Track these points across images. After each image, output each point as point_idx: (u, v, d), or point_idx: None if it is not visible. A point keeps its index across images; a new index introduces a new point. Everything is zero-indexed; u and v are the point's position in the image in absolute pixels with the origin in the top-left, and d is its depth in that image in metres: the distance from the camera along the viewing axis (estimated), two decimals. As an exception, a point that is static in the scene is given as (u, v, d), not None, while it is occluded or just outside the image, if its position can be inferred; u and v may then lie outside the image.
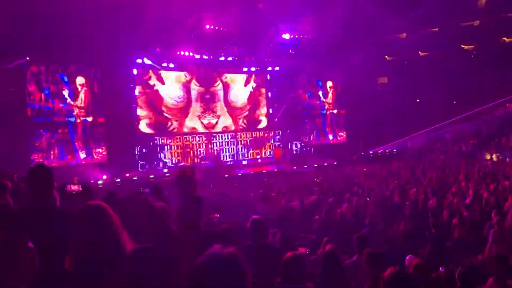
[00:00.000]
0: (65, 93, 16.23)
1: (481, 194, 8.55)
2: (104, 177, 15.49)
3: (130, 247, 1.95)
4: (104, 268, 1.80)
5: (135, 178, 16.02)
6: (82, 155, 16.62)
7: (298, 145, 22.63)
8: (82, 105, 16.73)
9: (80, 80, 16.66)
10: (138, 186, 14.04)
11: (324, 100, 24.17)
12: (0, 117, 13.04)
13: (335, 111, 24.40)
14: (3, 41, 12.79)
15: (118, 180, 15.39)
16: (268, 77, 22.67)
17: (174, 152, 19.16)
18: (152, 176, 16.50)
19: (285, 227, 6.21)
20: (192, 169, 2.15)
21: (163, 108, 19.30)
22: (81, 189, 3.19)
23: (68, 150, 16.24)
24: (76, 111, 16.57)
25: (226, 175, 16.67)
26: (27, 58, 15.11)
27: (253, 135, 21.63)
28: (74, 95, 16.48)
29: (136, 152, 17.99)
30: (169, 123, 19.49)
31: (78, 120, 16.60)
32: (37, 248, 1.90)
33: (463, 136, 20.39)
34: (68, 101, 16.30)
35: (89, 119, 16.92)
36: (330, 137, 24.19)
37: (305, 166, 19.15)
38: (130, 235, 1.98)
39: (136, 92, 18.53)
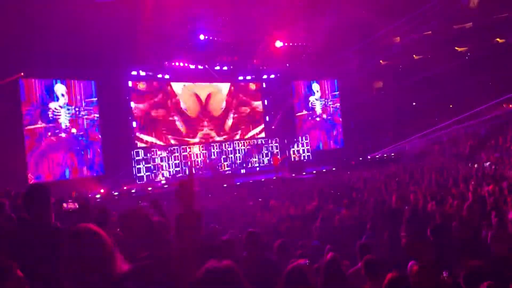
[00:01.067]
0: (60, 106, 16.23)
1: (480, 196, 8.54)
2: (102, 190, 15.41)
3: (124, 267, 1.91)
4: None
5: (133, 190, 15.94)
6: (80, 169, 16.58)
7: (296, 152, 22.62)
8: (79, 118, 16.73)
9: (72, 91, 16.70)
10: (137, 199, 13.99)
11: (320, 106, 24.20)
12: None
13: (331, 117, 24.43)
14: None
15: (116, 193, 15.30)
16: (264, 85, 22.71)
17: (172, 164, 19.13)
18: (150, 188, 16.44)
19: (284, 235, 6.18)
20: (191, 181, 2.12)
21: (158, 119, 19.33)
22: (77, 206, 3.16)
23: (64, 165, 16.22)
24: (73, 130, 16.56)
25: (225, 185, 16.59)
26: (22, 74, 15.10)
27: (250, 143, 21.65)
28: (68, 109, 16.49)
29: (134, 165, 17.94)
30: (168, 135, 19.45)
31: (75, 133, 16.59)
32: (31, 267, 1.86)
33: (460, 138, 20.41)
34: (62, 116, 16.29)
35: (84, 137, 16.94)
36: (328, 143, 24.19)
37: (304, 173, 19.11)
38: (130, 250, 1.95)
39: (132, 104, 18.53)
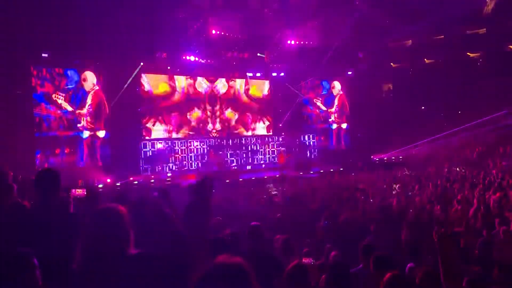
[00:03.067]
0: (69, 93, 16.36)
1: (486, 203, 8.50)
2: (108, 180, 15.49)
3: (133, 251, 1.95)
4: (111, 268, 1.80)
5: (135, 182, 15.98)
6: (87, 158, 16.72)
7: (303, 151, 22.61)
8: (89, 111, 16.81)
9: (90, 78, 16.80)
10: (140, 190, 14.03)
11: (329, 106, 24.15)
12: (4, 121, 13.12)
13: (340, 118, 24.38)
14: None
15: (118, 184, 15.36)
16: (273, 82, 22.69)
17: (178, 157, 19.20)
18: (153, 181, 16.50)
19: (289, 232, 6.18)
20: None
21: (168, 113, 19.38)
22: (86, 193, 3.18)
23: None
24: (82, 122, 16.67)
25: (227, 180, 16.61)
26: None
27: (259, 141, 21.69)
28: (81, 98, 16.60)
29: (141, 156, 18.04)
30: (169, 126, 19.48)
31: (86, 134, 16.76)
32: (42, 252, 1.88)
33: (469, 144, 20.28)
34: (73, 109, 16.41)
35: (101, 133, 17.13)
36: (335, 143, 24.15)
37: (311, 172, 19.09)
38: (141, 238, 1.98)
39: (141, 95, 18.59)
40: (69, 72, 16.37)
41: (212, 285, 1.43)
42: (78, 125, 16.60)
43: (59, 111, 16.05)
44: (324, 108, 24.00)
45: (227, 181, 16.60)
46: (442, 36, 20.99)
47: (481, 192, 9.86)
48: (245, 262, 1.51)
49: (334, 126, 24.22)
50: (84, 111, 16.73)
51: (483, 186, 10.90)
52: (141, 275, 1.84)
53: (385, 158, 22.23)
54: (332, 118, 24.22)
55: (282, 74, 22.35)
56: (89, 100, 16.86)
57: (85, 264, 1.80)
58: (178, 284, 1.84)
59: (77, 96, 16.58)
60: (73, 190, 3.19)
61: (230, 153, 20.60)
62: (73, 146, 16.44)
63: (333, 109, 24.25)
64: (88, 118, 16.86)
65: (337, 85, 24.31)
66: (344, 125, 24.43)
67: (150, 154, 18.36)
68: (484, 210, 7.97)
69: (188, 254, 1.91)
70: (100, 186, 14.85)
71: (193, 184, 2.20)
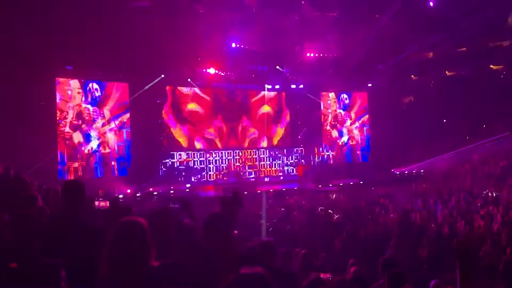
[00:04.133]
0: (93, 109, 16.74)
1: (510, 219, 8.30)
2: (128, 191, 15.69)
3: (154, 263, 1.98)
4: (134, 281, 1.83)
5: (155, 193, 16.13)
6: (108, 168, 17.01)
7: (321, 163, 22.50)
8: (110, 122, 17.19)
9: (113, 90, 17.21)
10: (159, 202, 14.13)
11: (348, 118, 24.02)
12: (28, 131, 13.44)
13: (359, 130, 24.21)
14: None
15: (138, 194, 15.53)
16: (291, 95, 22.72)
17: (199, 168, 19.35)
18: (172, 192, 16.63)
19: (307, 246, 6.14)
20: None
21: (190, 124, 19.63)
22: (108, 205, 3.24)
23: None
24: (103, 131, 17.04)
25: (246, 192, 16.61)
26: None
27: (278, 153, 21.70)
28: (104, 110, 17.00)
29: (161, 167, 18.24)
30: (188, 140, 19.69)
31: (105, 145, 17.08)
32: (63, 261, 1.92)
33: (492, 157, 19.83)
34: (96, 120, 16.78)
35: (120, 144, 17.44)
36: (354, 156, 23.95)
37: (330, 185, 18.93)
38: (159, 249, 2.01)
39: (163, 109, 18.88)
40: (93, 85, 16.77)
41: None
42: (97, 136, 16.94)
43: (81, 123, 16.44)
44: (343, 120, 23.88)
45: (245, 193, 16.60)
46: (464, 48, 20.72)
47: (505, 207, 9.64)
48: (267, 273, 1.54)
49: (354, 139, 24.05)
50: (103, 124, 17.09)
51: (508, 202, 10.64)
52: (164, 285, 1.86)
53: (405, 171, 21.91)
54: (352, 130, 24.05)
55: (301, 86, 22.38)
56: (108, 112, 17.22)
57: (109, 277, 1.83)
58: None
59: (100, 108, 16.96)
60: (96, 202, 3.26)
61: (248, 165, 20.62)
62: (93, 157, 16.74)
63: (352, 122, 24.10)
64: (109, 128, 17.21)
65: (357, 98, 24.21)
66: (364, 138, 24.24)
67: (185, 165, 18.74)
68: (509, 226, 7.78)
69: (209, 265, 1.93)
70: (120, 196, 15.04)
71: (225, 197, 2.23)
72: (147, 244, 1.92)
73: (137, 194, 15.55)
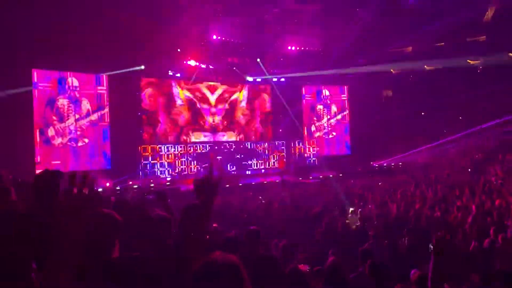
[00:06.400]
0: (69, 101, 16.41)
1: (485, 209, 8.50)
2: (107, 184, 15.49)
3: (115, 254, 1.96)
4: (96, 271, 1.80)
5: (135, 186, 15.98)
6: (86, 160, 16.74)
7: (303, 156, 22.63)
8: (90, 115, 16.89)
9: (90, 81, 16.90)
10: (140, 194, 14.01)
11: (329, 112, 24.17)
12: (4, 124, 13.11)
13: (339, 123, 24.39)
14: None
15: (118, 188, 15.36)
16: (273, 88, 22.72)
17: (179, 161, 19.23)
18: (152, 185, 16.51)
19: (287, 238, 6.16)
20: (219, 179, 2.12)
21: (172, 117, 19.46)
22: (87, 193, 3.16)
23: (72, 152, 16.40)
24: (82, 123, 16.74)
25: (227, 185, 16.59)
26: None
27: (256, 146, 21.71)
28: (82, 102, 16.69)
29: (141, 160, 18.07)
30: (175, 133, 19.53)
31: (85, 139, 16.81)
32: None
33: (469, 151, 20.29)
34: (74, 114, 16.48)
35: (100, 137, 17.12)
36: (334, 149, 24.14)
37: (311, 178, 19.06)
38: (126, 242, 1.98)
39: (142, 100, 18.63)
40: (69, 76, 16.44)
41: (204, 281, 1.42)
42: (78, 128, 16.64)
43: (59, 116, 16.11)
44: (324, 113, 24.02)
45: (227, 185, 16.58)
46: (443, 43, 21.02)
47: (481, 199, 9.86)
48: (240, 261, 1.51)
49: (334, 132, 24.23)
50: (81, 117, 16.79)
51: (483, 193, 10.89)
52: (124, 278, 1.82)
53: (385, 164, 22.22)
54: (333, 124, 24.22)
55: (282, 79, 22.39)
56: (88, 105, 16.91)
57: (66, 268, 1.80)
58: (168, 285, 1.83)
59: (77, 100, 16.65)
60: (75, 189, 3.17)
61: (229, 158, 20.57)
62: (72, 150, 16.47)
63: (332, 115, 24.27)
64: (88, 121, 16.93)
65: (337, 91, 24.37)
66: (344, 131, 24.44)
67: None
68: (483, 217, 7.97)
69: (178, 256, 1.90)
70: (100, 190, 14.83)
71: (198, 182, 2.16)
72: (107, 236, 1.90)
73: (117, 188, 15.36)
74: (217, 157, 19.96)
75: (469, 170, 18.42)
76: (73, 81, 16.50)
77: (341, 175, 19.31)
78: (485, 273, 5.47)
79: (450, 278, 4.51)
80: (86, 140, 16.79)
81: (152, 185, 16.55)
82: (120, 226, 1.94)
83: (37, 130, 15.54)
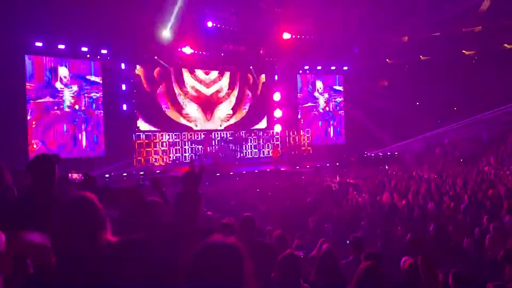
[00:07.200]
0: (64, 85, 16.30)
1: (478, 199, 8.57)
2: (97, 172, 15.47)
3: (112, 239, 1.95)
4: (87, 254, 1.80)
5: (124, 174, 15.94)
6: (80, 147, 16.67)
7: (297, 145, 22.65)
8: (83, 101, 16.78)
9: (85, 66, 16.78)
10: (130, 182, 14.03)
11: (324, 100, 24.15)
12: None
13: (334, 112, 24.39)
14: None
15: (107, 175, 15.31)
16: (269, 76, 22.64)
17: (172, 149, 19.21)
18: (142, 173, 16.49)
19: (282, 226, 6.20)
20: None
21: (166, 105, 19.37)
22: (82, 178, 3.17)
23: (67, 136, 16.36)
24: (76, 106, 16.62)
25: (218, 174, 16.59)
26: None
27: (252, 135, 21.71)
28: (76, 88, 16.58)
29: (135, 148, 18.03)
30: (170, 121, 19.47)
31: (79, 125, 16.71)
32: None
33: (463, 141, 20.38)
34: (66, 94, 16.36)
35: (94, 124, 17.01)
36: (329, 138, 24.17)
37: (308, 167, 19.10)
38: (122, 227, 1.96)
39: (136, 88, 18.52)
40: (63, 61, 16.30)
41: (206, 263, 1.43)
42: (70, 112, 16.54)
43: (53, 101, 16.01)
44: (320, 102, 24.00)
45: (218, 174, 16.60)
46: (438, 34, 20.97)
47: (474, 189, 9.94)
48: (240, 244, 1.52)
49: (329, 121, 24.23)
50: (75, 103, 16.69)
51: (476, 183, 10.98)
52: (119, 262, 1.82)
53: (380, 154, 22.31)
54: (328, 113, 24.21)
55: (277, 67, 22.31)
56: (79, 91, 16.81)
57: (61, 252, 1.79)
58: (163, 269, 1.83)
59: (72, 86, 16.53)
60: (70, 175, 3.19)
61: (225, 147, 20.55)
62: (65, 137, 16.40)
63: (327, 104, 24.25)
64: (83, 107, 16.82)
65: (332, 80, 24.32)
66: (338, 120, 24.45)
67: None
68: (475, 207, 8.04)
69: (174, 241, 1.90)
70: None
71: (182, 174, 2.19)
72: (96, 220, 1.90)
73: (106, 176, 15.31)
74: (212, 146, 19.96)
75: (462, 160, 18.56)
76: (63, 70, 16.36)
77: (337, 164, 19.37)
78: (477, 262, 5.54)
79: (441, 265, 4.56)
80: (81, 130, 16.73)
81: (142, 173, 16.51)
82: (97, 208, 1.93)
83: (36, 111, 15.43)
